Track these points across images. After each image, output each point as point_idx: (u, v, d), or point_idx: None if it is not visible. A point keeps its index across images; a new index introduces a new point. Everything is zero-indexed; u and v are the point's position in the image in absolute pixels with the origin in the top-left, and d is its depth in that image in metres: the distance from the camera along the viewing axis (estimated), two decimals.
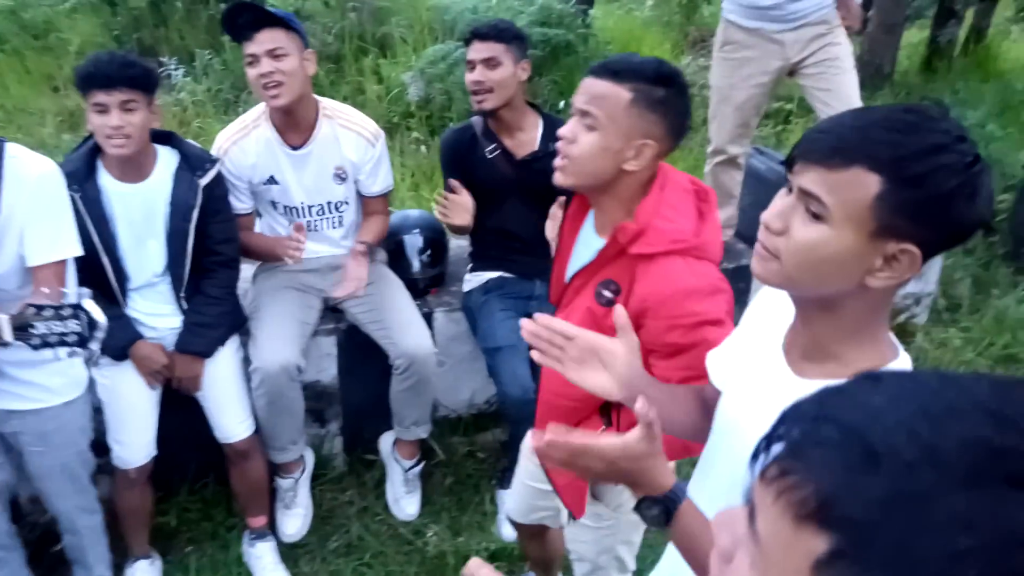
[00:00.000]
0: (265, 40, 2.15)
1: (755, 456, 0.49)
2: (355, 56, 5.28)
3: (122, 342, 2.12)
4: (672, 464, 1.24)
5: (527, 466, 1.89)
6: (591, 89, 1.39)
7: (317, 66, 5.14)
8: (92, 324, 1.57)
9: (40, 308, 1.54)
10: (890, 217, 0.85)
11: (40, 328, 1.55)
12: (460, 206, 2.30)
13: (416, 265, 2.61)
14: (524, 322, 1.16)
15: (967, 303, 3.66)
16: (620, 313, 1.15)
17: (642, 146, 1.37)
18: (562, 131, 1.42)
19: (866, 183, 0.85)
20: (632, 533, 1.76)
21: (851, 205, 0.86)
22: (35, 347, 1.56)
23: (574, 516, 1.72)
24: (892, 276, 0.89)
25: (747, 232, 3.18)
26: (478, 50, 2.30)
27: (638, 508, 1.00)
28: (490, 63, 2.28)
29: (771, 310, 1.09)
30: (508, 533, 2.54)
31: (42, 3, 5.46)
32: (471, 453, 2.82)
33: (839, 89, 2.81)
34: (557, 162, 1.43)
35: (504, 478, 2.52)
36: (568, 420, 1.58)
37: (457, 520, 2.61)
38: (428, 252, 2.62)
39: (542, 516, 1.91)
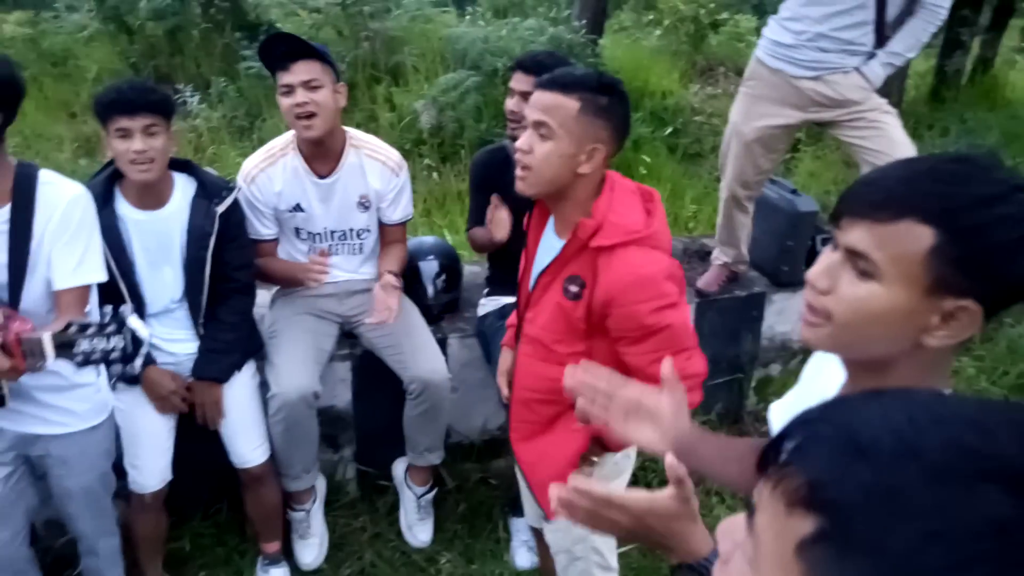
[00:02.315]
0: (301, 71, 2.18)
1: (762, 462, 0.52)
2: (368, 84, 5.36)
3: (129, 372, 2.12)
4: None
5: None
6: (542, 101, 1.50)
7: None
8: (136, 341, 1.58)
9: (84, 326, 1.55)
10: (946, 271, 0.80)
11: (83, 345, 1.55)
12: (502, 222, 2.32)
13: (431, 291, 2.63)
14: (569, 369, 1.17)
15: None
16: (666, 367, 1.12)
17: (593, 150, 1.50)
18: (519, 144, 1.52)
19: (918, 236, 0.81)
20: None
21: (902, 260, 0.82)
22: (79, 364, 1.56)
23: (547, 517, 1.78)
24: (950, 335, 0.83)
25: (759, 260, 3.19)
26: (519, 81, 2.33)
27: (671, 575, 0.96)
28: (528, 97, 2.31)
29: (830, 366, 1.07)
30: (522, 561, 2.53)
31: (60, 32, 5.56)
32: (484, 480, 2.82)
33: (886, 149, 2.70)
34: (518, 172, 1.53)
35: (516, 505, 2.51)
36: (543, 414, 1.71)
37: (470, 547, 2.60)
38: (443, 278, 2.64)
39: None
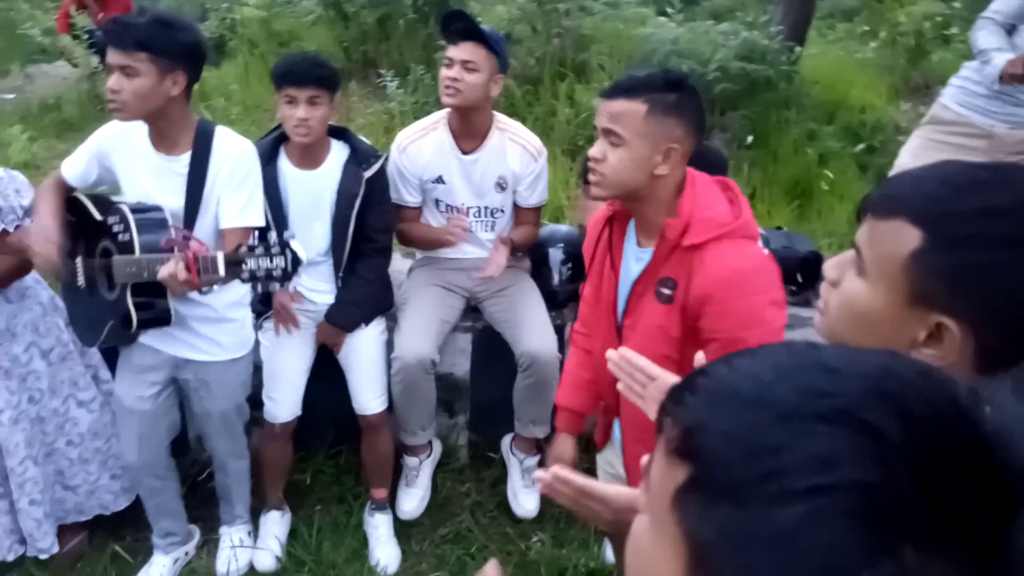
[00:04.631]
0: (465, 51, 2.34)
1: (661, 407, 0.54)
2: (552, 80, 5.49)
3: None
4: None
5: (603, 480, 1.94)
6: (609, 109, 1.48)
7: (516, 87, 5.37)
8: (296, 261, 1.76)
9: (252, 247, 1.75)
10: (926, 281, 0.75)
11: (250, 264, 1.74)
12: (587, 209, 2.36)
13: (557, 278, 2.69)
14: (610, 353, 1.19)
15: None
16: (700, 359, 1.13)
17: (668, 150, 1.47)
18: (591, 153, 1.51)
19: (904, 237, 0.76)
20: None
21: (885, 260, 0.78)
22: (244, 280, 1.76)
23: None
24: (937, 355, 0.76)
25: None
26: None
27: None
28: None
29: None
30: (611, 556, 2.53)
31: (290, 15, 6.21)
32: (588, 470, 2.82)
33: None
34: (592, 179, 1.53)
35: None
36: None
37: (563, 533, 2.64)
38: (569, 265, 2.69)
39: None
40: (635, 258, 1.61)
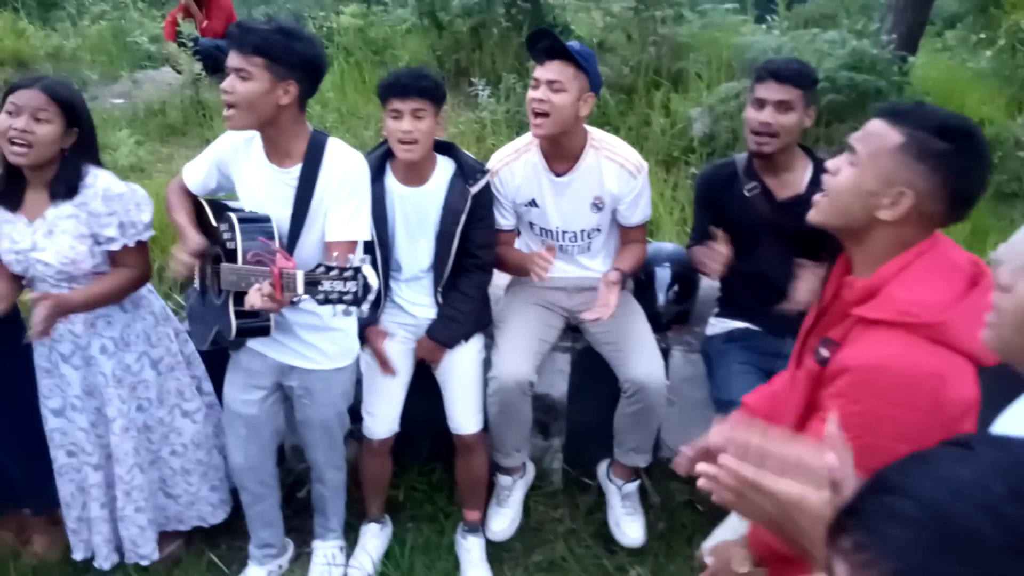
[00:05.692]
0: (551, 71, 2.23)
1: (835, 526, 0.45)
2: (647, 89, 5.36)
3: (362, 323, 2.37)
4: None
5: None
6: (867, 127, 1.32)
7: (609, 96, 5.24)
8: (366, 287, 1.74)
9: (329, 268, 1.74)
10: None
11: (326, 285, 1.73)
12: (718, 254, 2.24)
13: (662, 299, 2.58)
14: (717, 426, 1.07)
15: None
16: (832, 426, 0.99)
17: (899, 195, 1.25)
18: (829, 163, 1.35)
19: None
20: None
21: None
22: (320, 302, 1.75)
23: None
24: None
25: None
26: (772, 91, 2.21)
27: None
28: (782, 106, 2.20)
29: None
30: None
31: (384, 24, 6.27)
32: (690, 503, 2.71)
33: None
34: (816, 196, 1.36)
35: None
36: None
37: (663, 568, 2.52)
38: (676, 288, 2.57)
39: None
40: None
